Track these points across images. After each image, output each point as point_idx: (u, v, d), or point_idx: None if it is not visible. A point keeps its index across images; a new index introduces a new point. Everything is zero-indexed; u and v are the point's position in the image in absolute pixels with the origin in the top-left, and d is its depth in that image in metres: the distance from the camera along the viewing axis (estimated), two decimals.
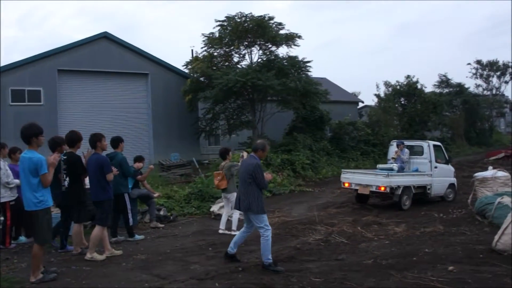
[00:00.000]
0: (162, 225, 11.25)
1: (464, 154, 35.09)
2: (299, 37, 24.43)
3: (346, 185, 14.11)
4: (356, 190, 13.84)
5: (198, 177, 17.27)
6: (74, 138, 8.25)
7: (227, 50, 24.71)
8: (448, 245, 8.75)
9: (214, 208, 12.65)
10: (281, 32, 24.14)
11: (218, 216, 12.22)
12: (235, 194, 10.50)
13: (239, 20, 23.37)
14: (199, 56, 25.11)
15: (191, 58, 26.18)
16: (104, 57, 22.95)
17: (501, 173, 13.01)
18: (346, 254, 8.24)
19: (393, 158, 14.90)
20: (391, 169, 14.02)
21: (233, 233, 10.22)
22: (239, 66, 24.96)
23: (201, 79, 24.28)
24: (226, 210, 10.88)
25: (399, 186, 13.13)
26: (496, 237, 8.07)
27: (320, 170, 22.68)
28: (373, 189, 13.19)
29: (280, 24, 24.08)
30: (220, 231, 10.51)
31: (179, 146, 23.78)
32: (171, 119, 24.77)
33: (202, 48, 24.76)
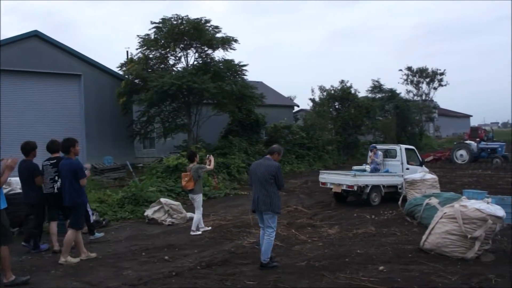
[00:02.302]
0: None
1: None
2: (236, 40, 24.50)
3: (323, 185, 15.27)
4: (331, 188, 14.84)
5: (132, 181, 16.97)
6: (53, 145, 8.71)
7: (162, 52, 24.41)
8: (379, 245, 9.01)
9: (148, 212, 12.45)
10: (218, 35, 24.11)
11: (152, 221, 12.07)
12: (201, 195, 11.06)
13: (175, 22, 23.17)
14: (134, 58, 24.71)
15: (126, 60, 25.71)
16: (34, 56, 22.10)
17: (429, 176, 13.56)
18: (280, 256, 8.30)
19: (367, 162, 16.15)
20: (364, 170, 15.46)
21: (194, 233, 10.60)
22: (175, 68, 24.73)
23: (136, 81, 23.89)
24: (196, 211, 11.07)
25: (367, 185, 14.16)
26: (424, 237, 8.40)
27: None
28: (344, 187, 14.25)
29: (216, 27, 24.08)
30: (192, 233, 10.63)
31: (113, 149, 23.25)
32: (105, 121, 24.20)
33: (137, 49, 24.41)
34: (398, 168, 15.29)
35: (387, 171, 15.36)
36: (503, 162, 28.70)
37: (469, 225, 7.76)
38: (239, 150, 23.31)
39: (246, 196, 17.59)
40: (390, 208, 13.45)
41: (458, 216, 7.85)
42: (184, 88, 21.39)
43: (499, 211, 7.88)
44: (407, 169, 15.25)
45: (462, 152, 30.61)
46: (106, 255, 8.63)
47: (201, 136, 25.18)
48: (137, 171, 20.82)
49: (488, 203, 8.04)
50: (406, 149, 15.92)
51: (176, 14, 23.14)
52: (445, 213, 8.22)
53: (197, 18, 23.30)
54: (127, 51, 29.28)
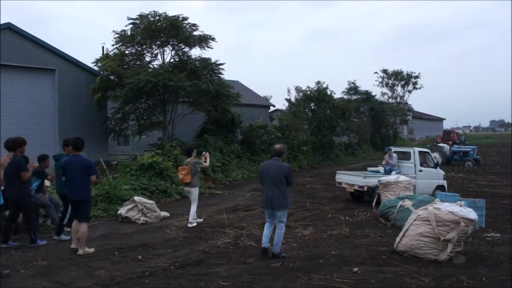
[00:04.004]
0: (68, 229, 10.78)
1: (369, 159, 36.63)
2: (213, 39, 24.39)
3: (339, 184, 16.14)
4: (345, 188, 15.73)
5: (105, 179, 16.76)
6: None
7: (139, 49, 24.17)
8: (353, 247, 9.06)
9: (122, 210, 12.31)
10: (195, 33, 23.96)
11: (125, 219, 11.93)
12: (197, 189, 11.53)
13: (152, 19, 22.95)
14: (110, 54, 24.40)
15: (101, 56, 25.37)
16: (7, 50, 21.60)
17: (403, 178, 13.74)
18: (255, 257, 8.30)
19: (381, 164, 16.90)
20: (378, 172, 16.19)
21: (191, 225, 11.18)
22: (151, 65, 24.53)
23: (111, 77, 23.58)
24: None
25: (377, 186, 14.32)
26: (398, 239, 8.47)
27: (231, 172, 22.77)
28: (356, 187, 15.07)
29: (194, 25, 23.93)
30: (189, 225, 11.15)
31: (87, 146, 22.21)
32: (79, 117, 23.81)
33: (113, 45, 24.10)
34: (411, 170, 15.79)
35: (399, 173, 15.58)
36: (474, 165, 29.25)
37: (442, 227, 7.85)
38: (214, 149, 23.22)
39: (221, 195, 17.57)
40: (365, 209, 13.57)
41: (432, 218, 7.94)
42: (160, 85, 21.21)
43: (472, 214, 7.99)
44: (420, 171, 15.83)
45: (435, 154, 31.06)
46: (78, 254, 8.48)
47: (176, 134, 25.03)
48: (111, 169, 20.56)
49: (461, 206, 8.15)
50: (420, 152, 16.52)
51: (154, 11, 22.96)
52: (418, 215, 8.31)
53: (175, 16, 23.14)
54: (103, 47, 28.92)
